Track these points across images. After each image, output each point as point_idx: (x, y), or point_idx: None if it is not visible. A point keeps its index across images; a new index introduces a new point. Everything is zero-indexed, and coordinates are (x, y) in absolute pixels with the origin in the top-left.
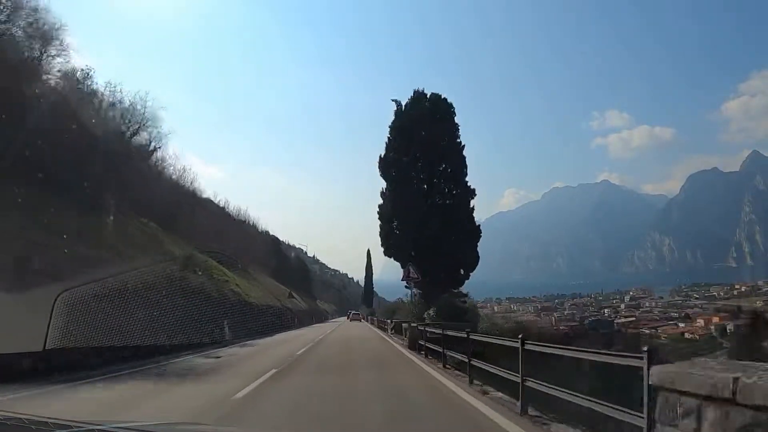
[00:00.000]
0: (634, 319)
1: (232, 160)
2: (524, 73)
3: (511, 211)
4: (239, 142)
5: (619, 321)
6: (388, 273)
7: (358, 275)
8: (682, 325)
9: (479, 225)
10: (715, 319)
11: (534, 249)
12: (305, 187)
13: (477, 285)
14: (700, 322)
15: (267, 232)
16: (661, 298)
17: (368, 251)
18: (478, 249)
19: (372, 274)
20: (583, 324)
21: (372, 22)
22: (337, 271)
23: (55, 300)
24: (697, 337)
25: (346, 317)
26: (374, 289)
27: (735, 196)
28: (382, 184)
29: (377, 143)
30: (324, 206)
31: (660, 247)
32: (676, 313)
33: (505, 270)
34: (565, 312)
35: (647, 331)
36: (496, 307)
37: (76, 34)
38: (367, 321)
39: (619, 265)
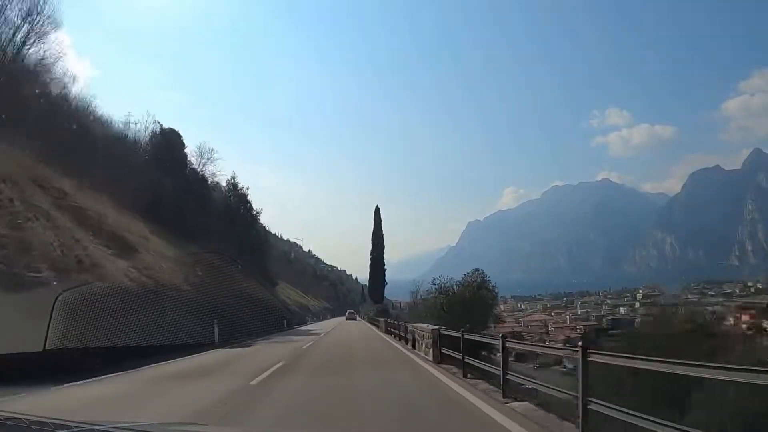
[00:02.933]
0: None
1: (231, 159)
2: (522, 70)
3: (511, 209)
4: (238, 142)
5: (639, 320)
6: (390, 273)
7: (360, 274)
8: None
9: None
10: (745, 317)
11: (534, 247)
12: (298, 184)
13: None
14: (730, 320)
15: (161, 127)
16: (676, 295)
17: (377, 209)
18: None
19: (383, 245)
20: (602, 323)
21: (364, 21)
22: (334, 267)
23: (55, 300)
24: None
25: (344, 317)
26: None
27: (737, 194)
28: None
29: (375, 143)
30: (320, 202)
31: (662, 246)
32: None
33: (504, 268)
34: (579, 311)
35: None
36: (502, 306)
37: (73, 34)
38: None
39: (621, 263)
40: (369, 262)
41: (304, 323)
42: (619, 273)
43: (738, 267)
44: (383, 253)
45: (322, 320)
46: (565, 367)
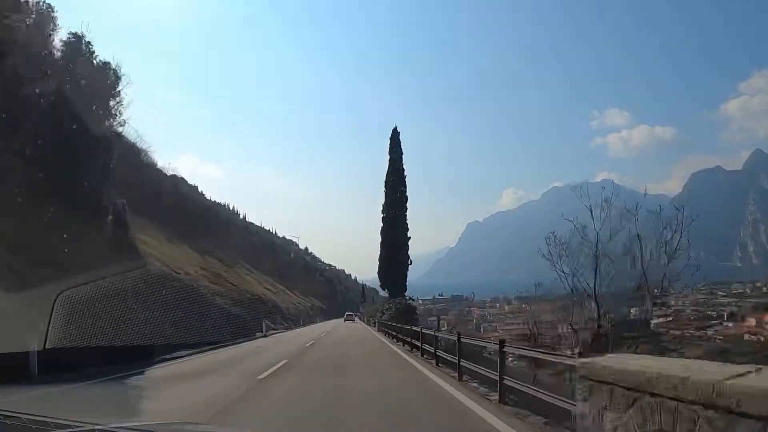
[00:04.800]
0: (672, 319)
1: (233, 159)
2: (523, 72)
3: (511, 210)
4: (241, 141)
5: (656, 321)
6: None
7: (359, 274)
8: (730, 324)
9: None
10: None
11: (535, 248)
12: (306, 186)
13: (477, 285)
14: (751, 320)
15: None
16: (686, 296)
17: (394, 133)
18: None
19: (405, 194)
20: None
21: (375, 20)
22: (332, 265)
23: (55, 300)
24: (762, 338)
25: (342, 319)
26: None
27: (739, 195)
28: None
29: (374, 142)
30: (325, 205)
31: None
32: (712, 311)
33: (504, 270)
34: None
35: (697, 333)
36: (506, 306)
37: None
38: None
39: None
40: (380, 226)
41: (250, 335)
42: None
43: (740, 268)
44: (406, 210)
45: (304, 326)
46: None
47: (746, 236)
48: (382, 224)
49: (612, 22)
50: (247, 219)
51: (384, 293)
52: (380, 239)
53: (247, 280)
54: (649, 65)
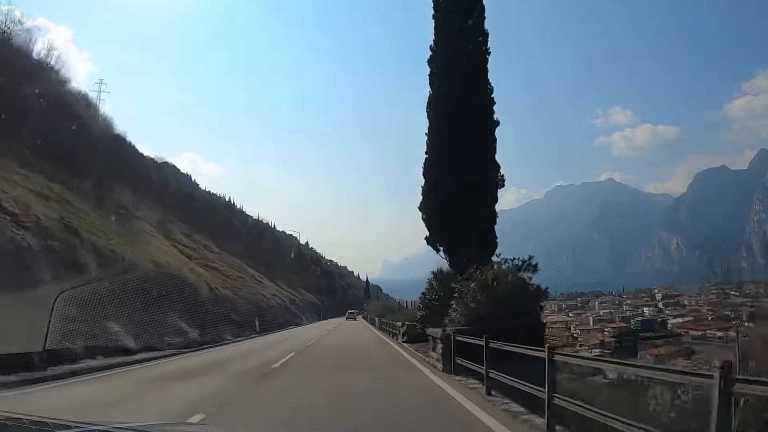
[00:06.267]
0: (691, 319)
1: (235, 159)
2: (524, 70)
3: (513, 209)
4: (243, 141)
5: (674, 322)
6: (387, 273)
7: (369, 273)
8: (752, 325)
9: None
10: None
11: (537, 247)
12: (296, 183)
13: None
14: None
15: None
16: (698, 295)
17: None
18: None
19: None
20: (630, 325)
21: (362, 21)
22: (333, 261)
23: (55, 300)
24: None
25: (343, 318)
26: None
27: (744, 195)
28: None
29: (375, 142)
30: (318, 202)
31: (668, 246)
32: (729, 312)
33: None
34: (600, 312)
35: (718, 334)
36: None
37: (75, 30)
38: None
39: (626, 263)
40: (426, 126)
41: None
42: (624, 273)
43: (745, 268)
44: (487, 54)
45: (260, 334)
46: (605, 377)
47: (751, 236)
48: (429, 92)
49: (614, 20)
50: (243, 210)
51: (428, 267)
52: (427, 126)
53: (148, 239)
54: (652, 64)
